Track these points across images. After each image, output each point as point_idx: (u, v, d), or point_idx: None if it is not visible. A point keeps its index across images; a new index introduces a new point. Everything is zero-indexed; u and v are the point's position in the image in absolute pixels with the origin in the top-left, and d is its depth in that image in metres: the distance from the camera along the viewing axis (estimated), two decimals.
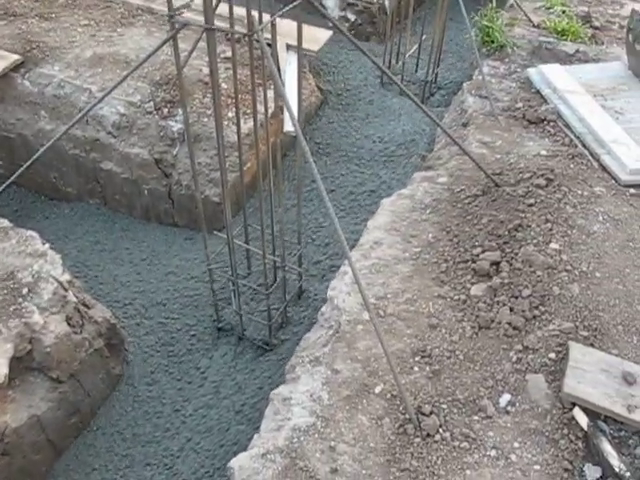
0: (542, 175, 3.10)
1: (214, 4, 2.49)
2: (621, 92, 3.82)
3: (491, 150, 3.37)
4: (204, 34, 2.52)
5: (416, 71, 4.43)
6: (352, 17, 4.70)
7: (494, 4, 4.38)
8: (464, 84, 3.93)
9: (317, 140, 3.86)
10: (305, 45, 3.86)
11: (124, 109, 3.92)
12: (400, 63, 4.33)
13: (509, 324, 2.59)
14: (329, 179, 3.61)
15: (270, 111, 3.07)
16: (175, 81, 3.85)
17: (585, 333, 2.57)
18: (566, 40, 4.23)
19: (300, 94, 2.93)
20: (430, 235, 2.91)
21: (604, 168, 3.32)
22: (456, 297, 2.68)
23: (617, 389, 2.35)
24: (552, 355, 2.50)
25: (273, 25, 2.72)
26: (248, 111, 3.65)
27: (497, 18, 4.26)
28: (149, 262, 3.73)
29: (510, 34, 4.24)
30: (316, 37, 3.97)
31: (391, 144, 3.82)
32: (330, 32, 4.10)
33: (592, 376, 2.39)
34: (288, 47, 3.97)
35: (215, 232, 3.33)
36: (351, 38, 2.76)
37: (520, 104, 3.71)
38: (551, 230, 2.86)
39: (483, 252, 2.79)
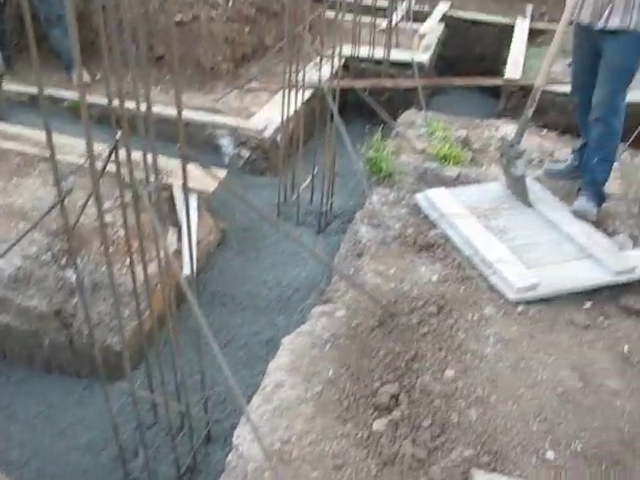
0: (434, 302, 3.23)
1: (101, 168, 2.56)
2: (503, 211, 4.07)
3: (385, 279, 3.49)
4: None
5: (311, 202, 4.58)
6: (246, 154, 4.87)
7: (379, 135, 4.64)
8: (356, 214, 4.10)
9: (212, 289, 3.89)
10: (200, 186, 3.99)
11: (20, 262, 3.89)
12: (295, 196, 4.47)
13: (412, 457, 2.63)
14: (224, 330, 3.63)
15: (168, 256, 3.12)
16: (75, 226, 3.86)
17: (486, 458, 2.63)
18: (449, 164, 4.50)
19: (192, 243, 3.00)
20: (331, 372, 2.95)
21: (492, 288, 3.48)
22: (359, 434, 2.70)
23: None
24: None
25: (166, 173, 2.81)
26: (146, 257, 3.68)
27: (383, 147, 4.51)
28: (45, 416, 3.61)
29: (397, 162, 4.48)
30: (211, 177, 4.07)
31: (288, 288, 3.88)
32: (225, 171, 4.23)
33: None
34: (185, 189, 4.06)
35: (117, 382, 3.29)
36: (239, 195, 2.86)
37: (411, 230, 3.89)
38: (446, 358, 2.96)
39: (382, 386, 2.84)
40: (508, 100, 6.21)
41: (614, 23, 3.79)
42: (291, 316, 3.61)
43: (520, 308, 3.38)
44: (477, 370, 2.92)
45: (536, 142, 5.04)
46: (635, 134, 5.00)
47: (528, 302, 3.42)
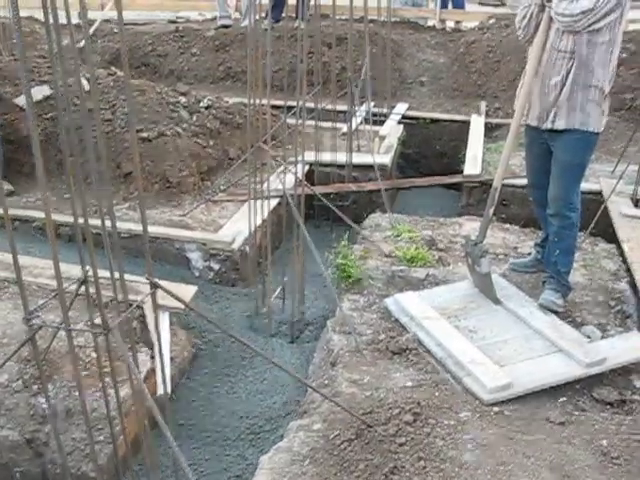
0: (409, 410, 3.22)
1: (69, 303, 2.59)
2: (472, 311, 4.12)
3: (360, 388, 3.49)
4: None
5: (283, 311, 4.62)
6: (216, 266, 4.92)
7: (346, 241, 4.73)
8: (328, 322, 4.13)
9: (181, 421, 3.82)
10: (172, 303, 4.01)
11: None
12: (266, 307, 4.50)
13: None
14: (192, 466, 3.53)
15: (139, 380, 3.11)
16: (45, 356, 3.84)
17: None
18: (416, 266, 4.57)
19: (165, 363, 3.00)
20: None
21: (467, 390, 3.50)
22: None
23: None
24: None
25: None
26: (119, 379, 3.66)
27: (351, 253, 4.58)
28: None
29: (365, 267, 4.55)
30: (181, 294, 4.09)
31: (259, 419, 3.79)
32: (195, 287, 4.26)
33: None
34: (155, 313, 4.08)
35: None
36: (207, 317, 2.88)
37: (383, 335, 3.92)
38: (425, 468, 2.94)
39: None
40: (469, 196, 6.39)
41: (560, 124, 3.98)
42: (262, 449, 3.49)
43: (495, 408, 3.39)
44: (457, 478, 2.90)
45: (500, 237, 5.16)
46: (594, 222, 5.16)
47: (503, 402, 3.44)
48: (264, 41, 4.40)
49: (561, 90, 3.94)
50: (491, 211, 4.17)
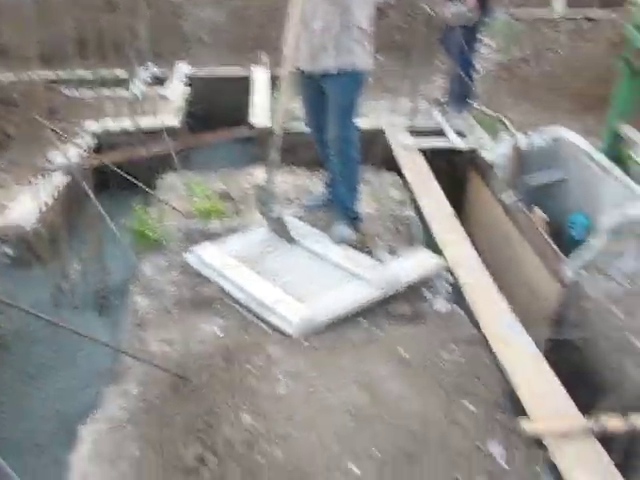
0: (220, 355, 3.34)
1: None
2: (269, 254, 4.28)
3: (171, 345, 3.54)
4: None
5: (87, 284, 4.55)
6: (10, 251, 4.72)
7: (140, 205, 4.69)
8: (130, 287, 4.12)
9: None
10: None
11: None
12: (69, 283, 4.42)
13: None
14: None
15: None
16: None
17: None
18: (213, 219, 4.65)
19: None
20: (137, 453, 2.94)
21: (275, 329, 3.67)
22: None
23: None
24: None
25: None
26: None
27: (147, 217, 4.56)
28: None
29: (162, 227, 4.55)
30: None
31: (73, 415, 3.50)
32: None
33: None
34: None
35: None
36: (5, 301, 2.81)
37: (187, 290, 3.98)
38: (241, 406, 3.07)
39: (186, 449, 2.90)
40: (260, 145, 6.50)
41: (330, 67, 4.16)
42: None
43: (303, 341, 3.58)
44: (275, 411, 3.06)
45: (290, 180, 5.36)
46: (378, 156, 5.51)
47: (309, 334, 3.64)
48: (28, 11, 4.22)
49: (325, 33, 4.11)
50: (275, 156, 4.29)
